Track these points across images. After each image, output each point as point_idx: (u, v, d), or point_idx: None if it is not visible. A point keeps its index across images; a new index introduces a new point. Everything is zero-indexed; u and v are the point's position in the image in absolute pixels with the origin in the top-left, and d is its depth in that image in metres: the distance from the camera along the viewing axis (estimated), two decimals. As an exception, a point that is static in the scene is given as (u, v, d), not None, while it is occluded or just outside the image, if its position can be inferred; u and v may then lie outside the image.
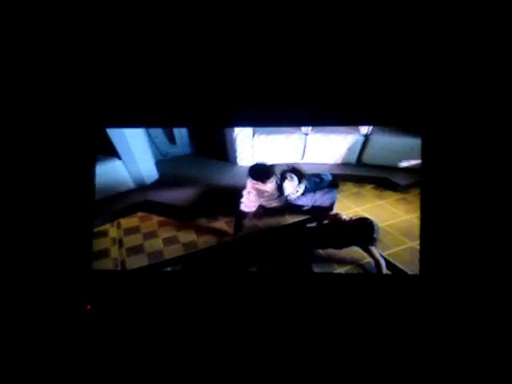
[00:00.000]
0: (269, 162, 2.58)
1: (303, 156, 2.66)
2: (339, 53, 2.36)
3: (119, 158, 2.65)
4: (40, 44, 2.42)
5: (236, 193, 2.56)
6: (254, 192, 2.54)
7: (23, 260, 2.44)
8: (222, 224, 2.60)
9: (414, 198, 2.41)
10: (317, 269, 2.40)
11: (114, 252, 2.56)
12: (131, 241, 2.60)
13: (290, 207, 2.59)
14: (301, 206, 2.58)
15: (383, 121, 2.45)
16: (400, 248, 2.41)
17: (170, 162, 2.80)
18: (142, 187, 2.69)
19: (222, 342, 2.31)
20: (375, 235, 2.38)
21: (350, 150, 2.65)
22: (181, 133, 2.79)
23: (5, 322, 2.36)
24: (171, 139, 2.82)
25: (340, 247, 2.44)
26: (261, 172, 2.56)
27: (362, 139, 2.63)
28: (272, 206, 2.60)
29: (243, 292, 2.41)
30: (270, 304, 2.38)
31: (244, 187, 2.56)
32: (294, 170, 2.57)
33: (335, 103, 2.41)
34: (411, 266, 2.35)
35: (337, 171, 2.64)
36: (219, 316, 2.38)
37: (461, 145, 2.31)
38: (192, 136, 2.79)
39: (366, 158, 2.68)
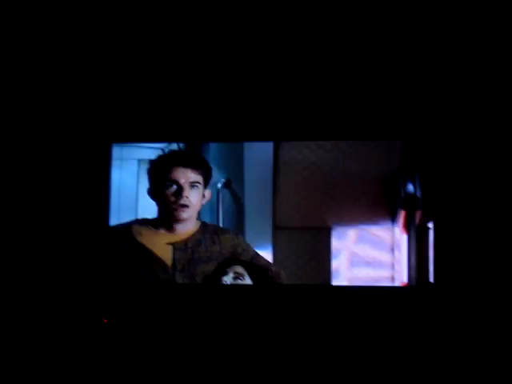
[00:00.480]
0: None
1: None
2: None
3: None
4: (46, 57, 2.49)
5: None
6: None
7: (40, 274, 2.46)
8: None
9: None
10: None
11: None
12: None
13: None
14: None
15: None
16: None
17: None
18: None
19: (237, 356, 2.31)
20: None
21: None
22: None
23: (19, 335, 2.36)
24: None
25: None
26: None
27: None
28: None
29: (259, 304, 2.40)
30: (286, 317, 2.37)
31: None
32: None
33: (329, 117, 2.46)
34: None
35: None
36: (235, 328, 2.37)
37: (471, 149, 2.33)
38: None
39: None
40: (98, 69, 2.52)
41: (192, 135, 2.53)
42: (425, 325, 2.30)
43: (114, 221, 2.51)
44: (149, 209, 2.48)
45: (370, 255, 2.44)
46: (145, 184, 2.49)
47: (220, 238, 2.41)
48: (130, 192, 2.53)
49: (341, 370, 2.25)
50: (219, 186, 2.48)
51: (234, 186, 2.49)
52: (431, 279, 2.35)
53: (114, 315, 2.43)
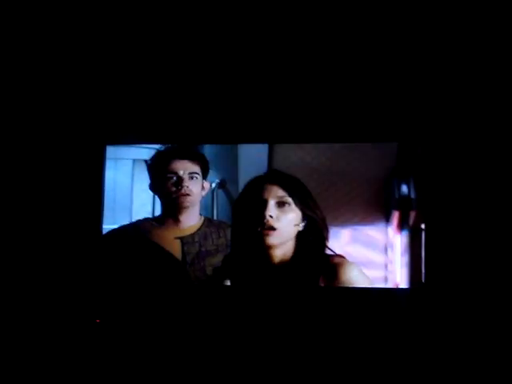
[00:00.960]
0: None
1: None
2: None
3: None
4: (41, 57, 2.49)
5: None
6: None
7: (31, 273, 2.48)
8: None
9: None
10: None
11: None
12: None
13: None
14: None
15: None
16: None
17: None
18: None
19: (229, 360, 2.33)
20: None
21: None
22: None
23: (12, 337, 2.39)
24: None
25: None
26: None
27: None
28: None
29: (255, 306, 2.42)
30: (279, 317, 2.39)
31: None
32: None
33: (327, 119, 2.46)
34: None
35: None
36: (223, 329, 2.39)
37: (463, 150, 2.34)
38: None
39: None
40: (92, 69, 2.52)
41: (186, 137, 2.55)
42: (416, 325, 2.32)
43: (108, 220, 2.53)
44: (143, 208, 2.53)
45: (364, 255, 2.45)
46: (139, 183, 2.54)
47: (225, 231, 2.47)
48: (124, 191, 2.56)
49: (334, 369, 2.28)
50: (214, 186, 2.51)
51: (229, 187, 2.50)
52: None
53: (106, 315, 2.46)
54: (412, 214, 2.43)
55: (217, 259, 2.46)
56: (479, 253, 2.29)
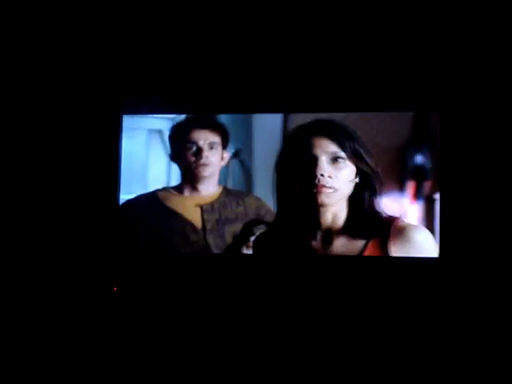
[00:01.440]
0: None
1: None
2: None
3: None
4: (54, 24, 2.48)
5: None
6: None
7: (49, 243, 2.51)
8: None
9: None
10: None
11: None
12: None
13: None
14: None
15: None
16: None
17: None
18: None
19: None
20: None
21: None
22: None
23: (32, 305, 2.44)
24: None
25: None
26: None
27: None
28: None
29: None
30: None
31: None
32: None
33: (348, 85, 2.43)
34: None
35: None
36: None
37: (479, 126, 2.32)
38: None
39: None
40: (110, 39, 2.51)
41: (201, 107, 2.56)
42: (430, 296, 2.32)
43: (124, 191, 2.56)
44: (158, 178, 2.55)
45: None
46: (155, 153, 2.57)
47: (244, 200, 2.48)
48: (139, 161, 2.57)
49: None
50: (228, 156, 2.52)
51: (243, 156, 2.51)
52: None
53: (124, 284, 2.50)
54: (427, 184, 2.43)
55: (237, 227, 2.48)
56: (494, 223, 2.28)
